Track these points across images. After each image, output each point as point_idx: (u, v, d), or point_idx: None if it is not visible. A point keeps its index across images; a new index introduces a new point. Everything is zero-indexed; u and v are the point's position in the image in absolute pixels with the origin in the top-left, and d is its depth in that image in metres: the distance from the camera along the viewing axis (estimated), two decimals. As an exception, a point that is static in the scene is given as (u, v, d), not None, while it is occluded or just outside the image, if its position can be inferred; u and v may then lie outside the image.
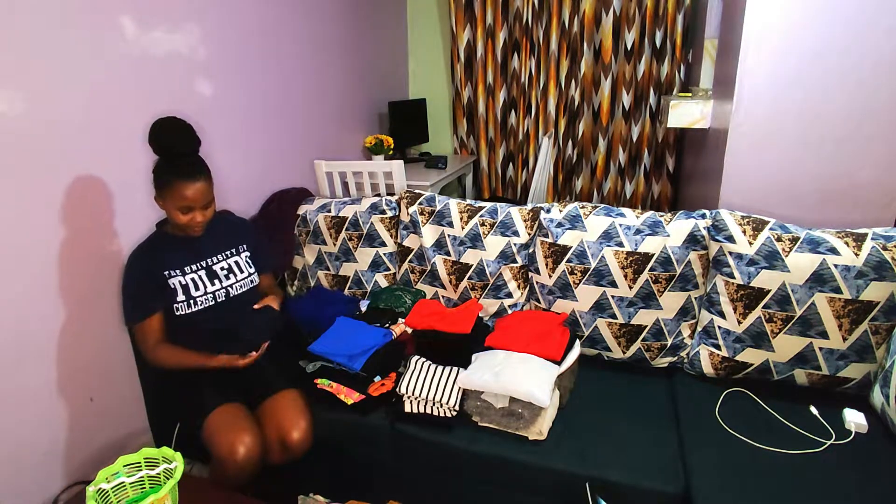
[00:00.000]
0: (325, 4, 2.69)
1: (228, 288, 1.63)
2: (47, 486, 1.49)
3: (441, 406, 1.52)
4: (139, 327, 1.55)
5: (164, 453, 1.23)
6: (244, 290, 1.67)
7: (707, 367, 1.65)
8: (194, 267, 1.59)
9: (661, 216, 1.73)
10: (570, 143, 3.42)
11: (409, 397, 1.55)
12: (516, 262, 1.89)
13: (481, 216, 1.93)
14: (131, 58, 1.66)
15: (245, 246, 1.72)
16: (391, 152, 3.17)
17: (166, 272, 1.54)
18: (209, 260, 1.62)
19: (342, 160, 2.54)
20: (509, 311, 1.92)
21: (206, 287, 1.59)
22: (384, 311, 1.95)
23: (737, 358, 1.60)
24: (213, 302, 1.59)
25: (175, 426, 1.58)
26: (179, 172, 1.45)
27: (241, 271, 1.68)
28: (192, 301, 1.55)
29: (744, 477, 1.27)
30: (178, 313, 1.54)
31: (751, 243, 1.56)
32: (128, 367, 1.74)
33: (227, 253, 1.67)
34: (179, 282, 1.55)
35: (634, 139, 3.29)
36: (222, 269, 1.64)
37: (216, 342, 1.54)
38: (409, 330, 1.82)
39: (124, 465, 1.22)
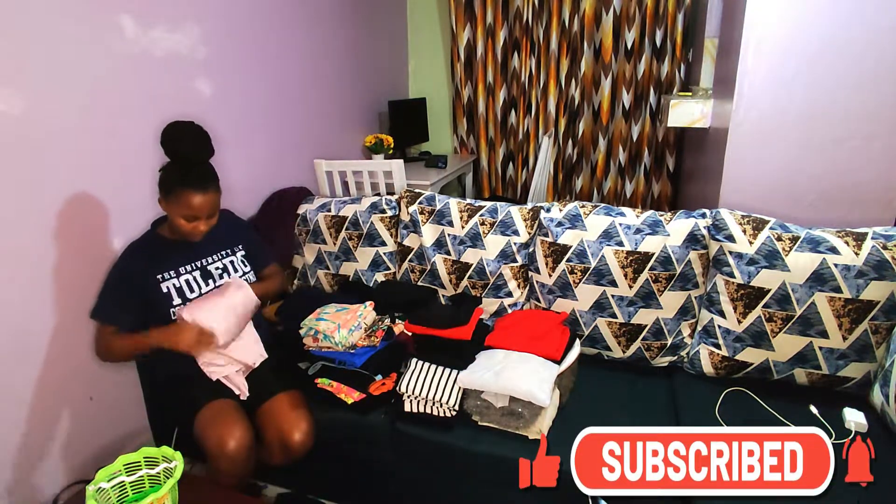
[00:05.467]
0: (325, 4, 2.69)
1: None
2: (47, 486, 1.49)
3: (441, 406, 1.52)
4: (97, 326, 1.49)
5: (163, 452, 1.23)
6: None
7: (707, 367, 1.65)
8: (189, 268, 1.57)
9: (661, 215, 1.73)
10: (570, 142, 3.42)
11: (409, 397, 1.55)
12: (516, 262, 1.89)
13: (481, 215, 1.93)
14: (131, 57, 1.66)
15: (240, 245, 1.71)
16: (391, 151, 3.17)
17: (159, 276, 1.51)
18: (204, 260, 1.61)
19: (342, 159, 2.54)
20: (509, 311, 1.92)
21: (200, 288, 1.57)
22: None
23: (737, 357, 1.60)
24: None
25: (174, 424, 1.57)
26: (190, 182, 1.41)
27: (236, 270, 1.67)
28: (187, 303, 1.52)
29: (744, 476, 1.26)
30: (174, 319, 1.50)
31: (751, 242, 1.55)
32: (128, 367, 1.73)
33: (223, 253, 1.66)
34: (174, 284, 1.53)
35: (634, 138, 3.29)
36: (217, 269, 1.63)
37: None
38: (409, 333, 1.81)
39: (124, 465, 1.21)
